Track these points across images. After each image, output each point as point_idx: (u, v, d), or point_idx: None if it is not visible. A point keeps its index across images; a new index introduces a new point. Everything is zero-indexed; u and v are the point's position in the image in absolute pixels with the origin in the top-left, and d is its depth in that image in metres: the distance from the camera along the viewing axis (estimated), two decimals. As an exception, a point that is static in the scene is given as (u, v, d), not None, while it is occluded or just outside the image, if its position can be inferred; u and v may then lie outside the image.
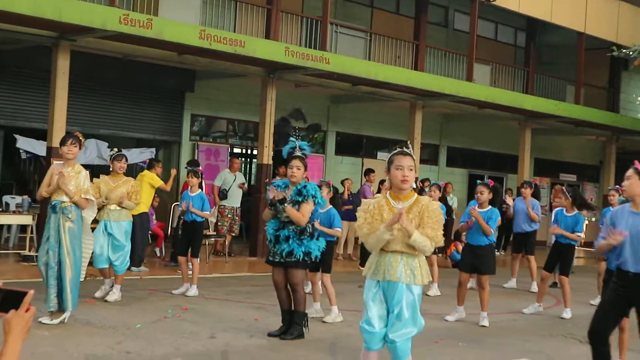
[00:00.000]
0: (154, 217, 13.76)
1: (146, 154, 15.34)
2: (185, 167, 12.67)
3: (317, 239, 7.37)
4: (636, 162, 5.55)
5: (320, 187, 8.07)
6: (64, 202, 7.37)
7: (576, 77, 20.94)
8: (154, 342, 6.86)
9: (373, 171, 15.85)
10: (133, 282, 10.34)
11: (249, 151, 19.58)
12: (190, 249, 9.94)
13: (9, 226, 13.58)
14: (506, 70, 20.88)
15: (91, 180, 7.89)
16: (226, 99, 17.14)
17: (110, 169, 9.28)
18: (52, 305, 7.27)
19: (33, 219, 12.46)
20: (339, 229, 8.71)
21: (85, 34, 12.07)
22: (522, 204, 12.52)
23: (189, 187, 10.12)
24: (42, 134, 13.36)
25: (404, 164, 4.86)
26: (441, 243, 4.90)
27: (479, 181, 9.36)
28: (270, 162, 15.01)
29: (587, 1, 20.73)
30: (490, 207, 8.86)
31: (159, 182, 12.23)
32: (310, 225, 7.30)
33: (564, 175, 24.78)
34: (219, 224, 13.90)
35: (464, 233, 9.37)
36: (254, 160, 18.43)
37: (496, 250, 15.53)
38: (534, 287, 12.08)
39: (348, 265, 14.33)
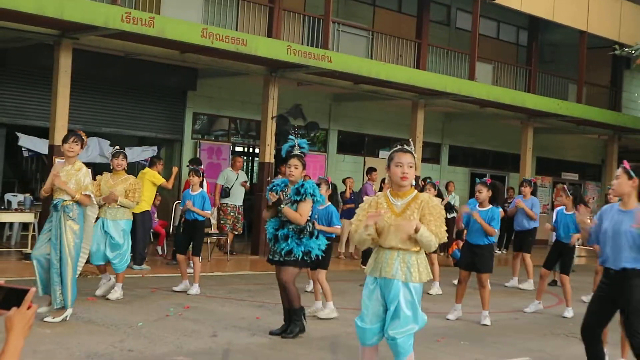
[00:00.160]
0: (155, 215, 13.77)
1: (148, 152, 15.37)
2: (187, 166, 12.67)
3: (317, 237, 7.33)
4: (625, 161, 5.61)
5: (319, 184, 8.07)
6: (66, 200, 7.39)
7: (578, 75, 20.91)
8: (156, 340, 6.87)
9: (375, 170, 15.85)
10: (135, 281, 10.35)
11: (251, 149, 19.59)
12: (191, 248, 9.93)
13: (11, 224, 13.61)
14: (508, 69, 20.86)
15: (94, 179, 7.89)
16: (228, 98, 17.14)
17: (111, 167, 9.30)
18: (58, 302, 7.28)
19: (35, 217, 12.48)
20: (338, 226, 8.68)
21: (88, 32, 12.07)
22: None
23: (190, 186, 10.13)
24: (44, 132, 13.38)
25: (404, 161, 4.87)
26: (445, 239, 4.90)
27: (478, 180, 9.35)
28: (272, 160, 15.00)
29: (590, 0, 20.72)
30: (490, 206, 8.85)
31: (160, 180, 12.21)
32: (310, 224, 7.27)
33: (566, 174, 24.73)
34: (221, 222, 13.91)
35: (465, 231, 9.36)
36: (256, 158, 18.44)
37: (497, 249, 15.58)
38: (526, 285, 12.16)
39: (350, 264, 14.35)
